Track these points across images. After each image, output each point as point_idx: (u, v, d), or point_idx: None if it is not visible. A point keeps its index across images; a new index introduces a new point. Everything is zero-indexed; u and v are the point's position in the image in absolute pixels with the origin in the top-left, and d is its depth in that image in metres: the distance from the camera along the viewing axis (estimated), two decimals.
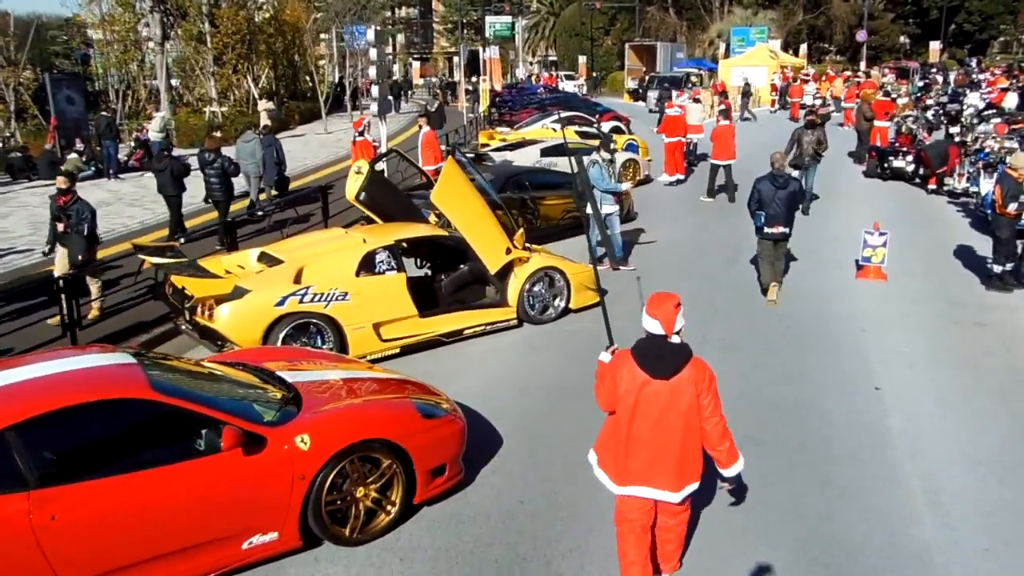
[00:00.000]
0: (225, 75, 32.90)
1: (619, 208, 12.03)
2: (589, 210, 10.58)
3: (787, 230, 10.05)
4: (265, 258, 8.68)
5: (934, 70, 45.52)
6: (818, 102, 31.02)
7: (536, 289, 9.36)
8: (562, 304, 9.54)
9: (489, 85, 34.32)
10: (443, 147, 18.18)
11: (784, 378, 7.89)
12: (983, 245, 12.48)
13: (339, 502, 5.10)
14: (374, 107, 16.79)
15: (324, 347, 7.94)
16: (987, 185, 14.02)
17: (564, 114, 23.61)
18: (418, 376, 6.77)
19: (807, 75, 42.16)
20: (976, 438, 6.68)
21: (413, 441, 5.34)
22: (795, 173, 12.97)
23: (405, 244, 9.09)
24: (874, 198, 16.94)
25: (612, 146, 12.21)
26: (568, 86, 50.97)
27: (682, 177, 18.41)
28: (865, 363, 8.24)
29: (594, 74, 59.60)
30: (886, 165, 18.61)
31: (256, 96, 34.58)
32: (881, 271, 11.07)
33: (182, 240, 12.54)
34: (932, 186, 17.08)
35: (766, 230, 10.04)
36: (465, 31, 73.93)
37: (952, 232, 13.96)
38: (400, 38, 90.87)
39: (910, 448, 6.50)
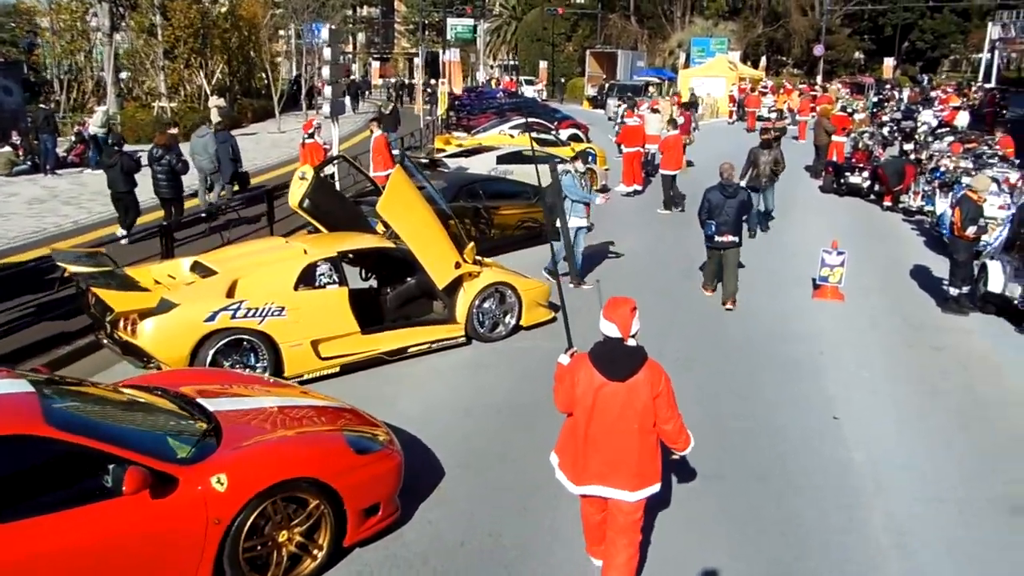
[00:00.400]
0: (176, 69, 31.93)
1: (586, 222, 11.49)
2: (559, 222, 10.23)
3: (736, 239, 10.21)
4: (198, 268, 8.14)
5: (888, 86, 46.22)
6: (774, 115, 31.10)
7: (486, 305, 8.96)
8: (513, 321, 9.15)
9: (448, 88, 33.85)
10: (395, 152, 17.69)
11: (741, 401, 7.60)
12: (939, 265, 12.43)
13: (259, 548, 4.64)
14: (326, 108, 16.26)
15: (259, 365, 7.45)
16: (943, 204, 14.03)
17: (529, 119, 23.42)
18: (357, 399, 6.33)
19: (765, 87, 42.54)
20: (938, 470, 6.46)
21: (344, 480, 4.89)
22: (754, 197, 13.02)
23: (350, 255, 8.65)
24: (830, 213, 16.88)
25: (590, 162, 11.77)
26: (528, 91, 50.76)
27: (640, 188, 18.18)
28: (824, 389, 7.99)
29: (559, 80, 59.47)
30: (842, 181, 18.60)
31: (208, 92, 33.70)
32: (838, 291, 10.90)
33: (124, 240, 12.24)
34: (888, 203, 17.09)
35: (716, 239, 10.24)
36: (427, 32, 73.48)
37: (907, 250, 13.91)
38: (361, 37, 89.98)
39: (872, 483, 6.23)
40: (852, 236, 14.10)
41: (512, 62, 75.02)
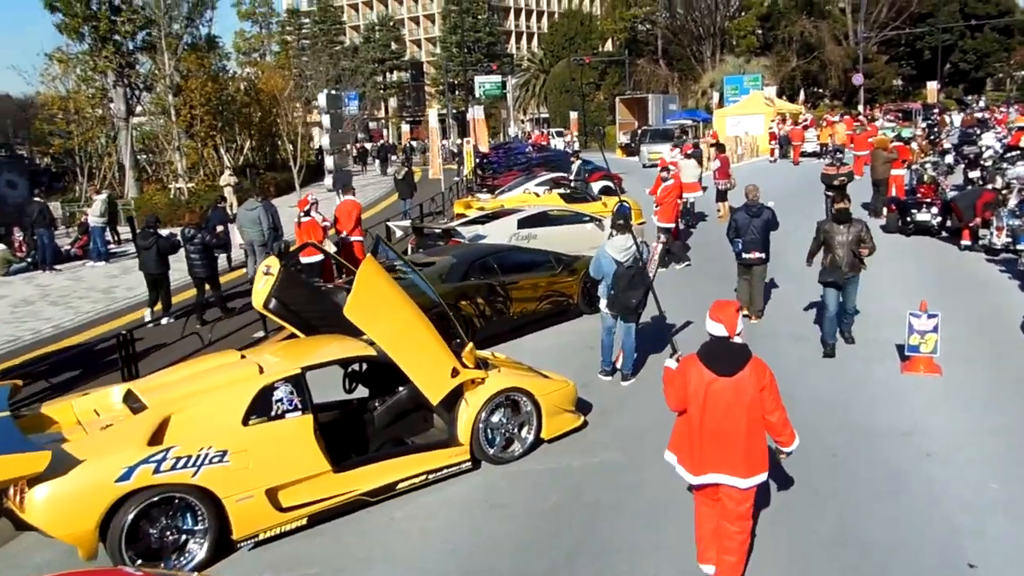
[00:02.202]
0: (194, 148, 31.19)
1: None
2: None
3: (763, 255, 10.93)
4: (130, 399, 6.51)
5: (936, 110, 43.89)
6: (833, 155, 29.08)
7: (495, 418, 7.17)
8: (531, 436, 7.32)
9: (473, 146, 32.59)
10: (399, 223, 16.13)
11: (841, 544, 5.64)
12: None
13: None
14: (328, 180, 14.85)
15: (198, 528, 5.75)
16: None
17: (546, 176, 21.93)
18: (320, 568, 4.57)
19: (805, 120, 40.62)
20: None
21: None
22: (830, 294, 9.48)
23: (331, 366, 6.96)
24: (901, 258, 14.81)
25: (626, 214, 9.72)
26: (559, 143, 49.49)
27: (679, 243, 16.32)
28: (945, 514, 5.98)
29: (596, 128, 58.18)
30: (909, 219, 16.55)
31: (232, 169, 32.93)
32: (933, 362, 8.87)
33: (164, 320, 12.22)
34: (966, 241, 14.97)
35: (743, 256, 10.98)
36: (457, 92, 73.38)
37: (1003, 299, 11.79)
38: (392, 102, 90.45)
39: None
40: (932, 285, 12.08)
41: (543, 115, 74.29)
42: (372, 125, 76.63)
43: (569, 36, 70.79)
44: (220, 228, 13.96)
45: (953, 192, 16.95)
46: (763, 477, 4.97)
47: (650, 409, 8.27)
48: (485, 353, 8.13)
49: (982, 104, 50.82)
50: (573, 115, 58.91)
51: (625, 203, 19.77)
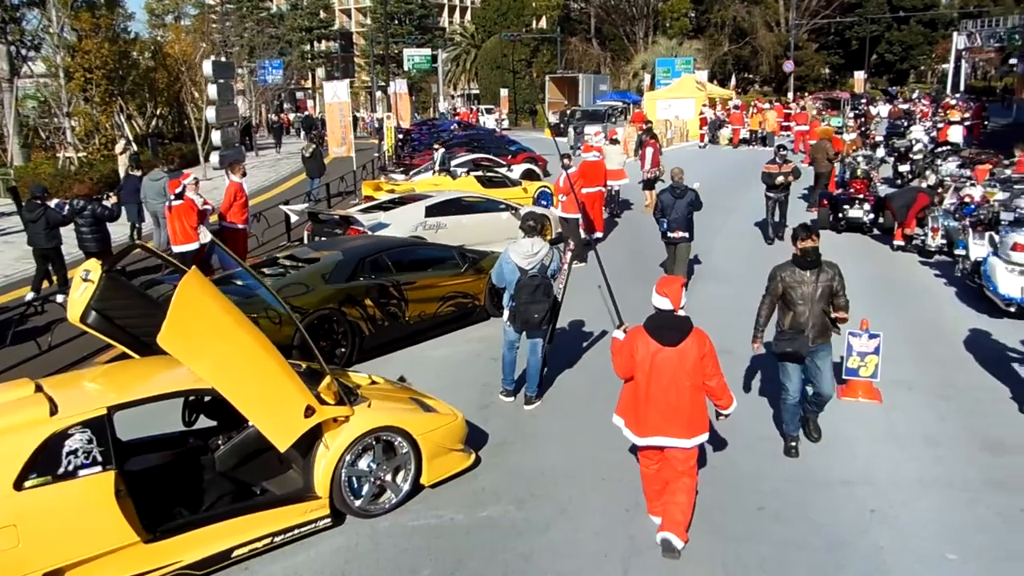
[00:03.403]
0: (86, 113, 28.66)
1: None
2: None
3: (687, 234, 11.41)
4: None
5: (864, 100, 43.91)
6: (775, 156, 28.00)
7: (363, 464, 5.86)
8: (406, 486, 6.04)
9: (395, 122, 30.95)
10: (294, 207, 14.57)
11: None
12: (992, 330, 9.65)
13: None
14: (215, 158, 13.20)
15: None
16: (979, 249, 11.18)
17: (465, 157, 20.60)
18: None
19: (736, 107, 40.11)
20: None
21: None
22: (790, 373, 6.70)
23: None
24: (833, 258, 13.97)
25: (546, 207, 8.50)
26: (488, 121, 48.04)
27: (600, 235, 15.22)
28: None
29: (528, 106, 56.75)
30: (841, 215, 15.78)
31: (129, 138, 30.53)
32: (873, 387, 7.94)
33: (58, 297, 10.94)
34: (898, 242, 14.23)
35: (669, 235, 11.46)
36: (388, 64, 70.91)
37: (943, 310, 11.00)
38: (320, 72, 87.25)
39: None
40: (868, 292, 11.23)
41: (474, 91, 72.53)
42: (300, 95, 73.72)
43: (502, 11, 68.92)
44: (112, 199, 12.28)
45: (885, 188, 16.25)
46: (705, 437, 5.38)
47: (554, 441, 7.13)
48: (360, 377, 6.82)
49: (915, 96, 51.11)
50: (504, 92, 57.53)
51: (547, 188, 18.79)
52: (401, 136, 31.17)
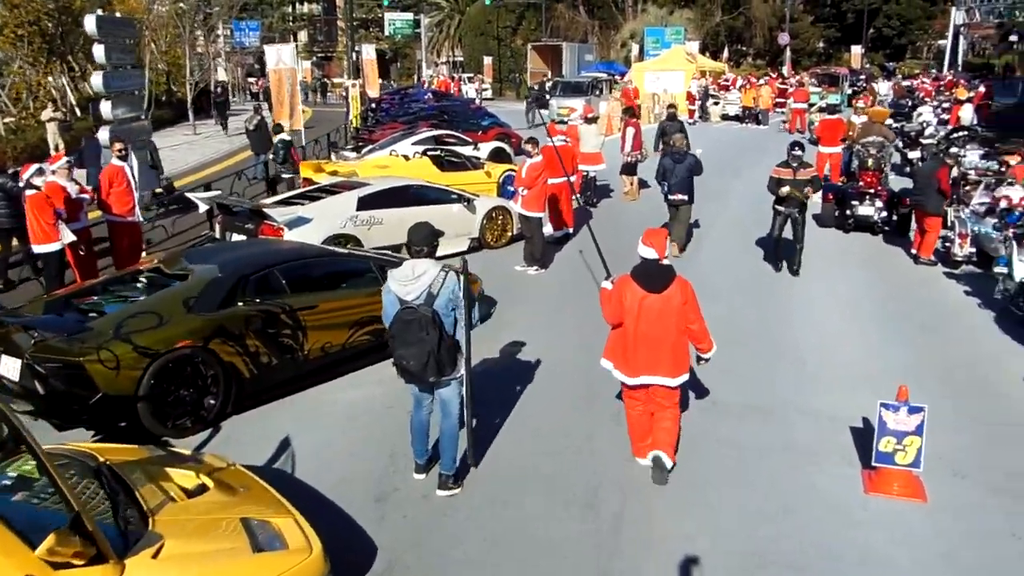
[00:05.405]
0: (17, 74, 26.00)
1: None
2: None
3: (686, 197, 11.74)
4: None
5: (863, 77, 41.65)
6: (788, 157, 25.11)
7: None
8: None
9: (360, 90, 28.49)
10: (202, 195, 12.24)
11: None
12: None
13: None
14: (103, 134, 10.89)
15: None
16: None
17: (426, 133, 18.32)
18: None
19: (727, 80, 37.82)
20: None
21: None
22: None
23: None
24: (841, 265, 11.90)
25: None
26: (469, 90, 45.54)
27: (570, 231, 13.02)
28: None
29: (512, 75, 54.01)
30: (848, 212, 13.63)
31: (72, 103, 27.97)
32: (914, 479, 5.81)
33: None
34: (927, 258, 11.79)
35: (670, 197, 11.84)
36: (370, 29, 67.91)
37: (977, 340, 8.88)
38: (303, 35, 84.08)
39: None
40: (877, 314, 9.14)
41: (459, 58, 69.73)
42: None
43: None
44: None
45: (897, 180, 14.05)
46: (687, 376, 5.83)
47: (472, 564, 4.96)
48: (188, 470, 4.63)
49: (923, 72, 48.90)
50: (487, 60, 54.91)
51: (512, 171, 16.51)
52: (373, 106, 28.76)
